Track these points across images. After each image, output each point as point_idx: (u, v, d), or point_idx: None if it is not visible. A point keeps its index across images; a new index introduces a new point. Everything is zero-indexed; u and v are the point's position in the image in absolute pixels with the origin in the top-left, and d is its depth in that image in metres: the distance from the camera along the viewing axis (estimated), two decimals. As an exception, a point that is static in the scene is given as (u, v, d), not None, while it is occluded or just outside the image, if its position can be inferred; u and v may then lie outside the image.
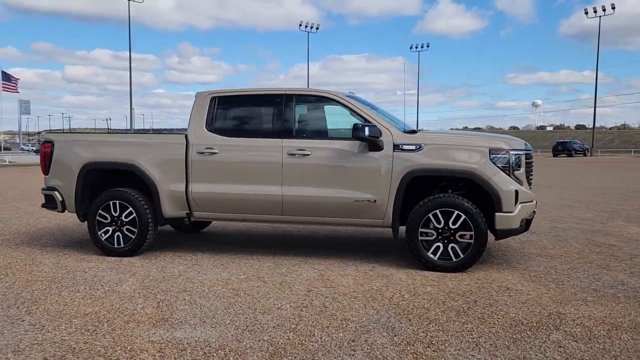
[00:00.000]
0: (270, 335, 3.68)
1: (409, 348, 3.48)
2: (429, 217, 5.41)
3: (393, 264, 5.74)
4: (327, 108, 6.07)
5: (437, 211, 5.39)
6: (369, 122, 5.63)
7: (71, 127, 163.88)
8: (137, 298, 4.54)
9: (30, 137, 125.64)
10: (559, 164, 34.69)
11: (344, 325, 3.88)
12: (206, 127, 6.05)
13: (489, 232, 5.41)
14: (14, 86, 65.72)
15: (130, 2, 47.87)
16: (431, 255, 5.43)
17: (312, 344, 3.54)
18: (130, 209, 6.13)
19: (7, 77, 66.25)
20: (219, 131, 6.03)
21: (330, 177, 5.68)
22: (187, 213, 6.14)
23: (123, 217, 6.17)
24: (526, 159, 5.65)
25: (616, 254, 6.35)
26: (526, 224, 5.51)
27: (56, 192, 6.41)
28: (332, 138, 5.82)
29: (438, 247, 5.42)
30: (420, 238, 5.44)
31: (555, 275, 5.36)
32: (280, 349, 3.44)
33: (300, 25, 60.22)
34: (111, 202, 6.18)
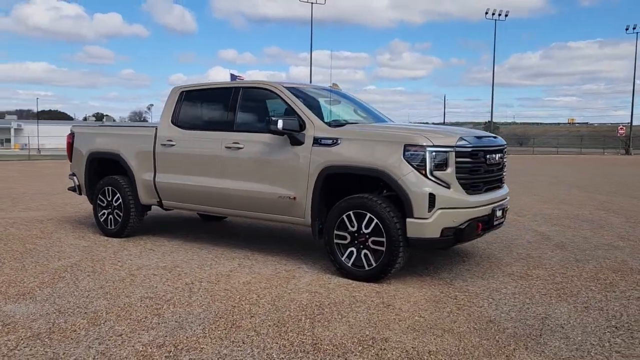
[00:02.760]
0: (95, 306, 3.83)
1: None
2: (343, 218, 4.94)
3: (316, 265, 5.37)
4: (271, 100, 5.88)
5: (351, 213, 4.89)
6: (298, 113, 5.34)
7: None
8: (62, 272, 5.06)
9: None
10: None
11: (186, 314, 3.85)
12: (171, 120, 6.36)
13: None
14: None
15: (312, 4, 50.62)
16: (345, 261, 4.95)
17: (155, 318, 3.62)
18: (118, 194, 6.77)
19: (234, 79, 76.57)
20: (179, 124, 6.29)
21: (258, 172, 5.54)
22: (157, 201, 6.54)
23: (114, 202, 6.84)
24: (487, 155, 4.96)
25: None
26: (457, 235, 4.66)
27: (75, 178, 7.36)
28: (263, 131, 5.64)
29: (352, 252, 4.93)
30: (335, 241, 5.00)
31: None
32: (98, 316, 3.59)
33: (486, 13, 56.34)
34: (106, 188, 6.89)
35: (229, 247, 6.27)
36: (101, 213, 6.98)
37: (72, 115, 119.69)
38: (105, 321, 3.80)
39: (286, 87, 5.64)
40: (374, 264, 4.79)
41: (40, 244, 6.37)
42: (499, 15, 56.22)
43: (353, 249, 4.91)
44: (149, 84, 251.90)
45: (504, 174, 5.48)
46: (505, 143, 5.50)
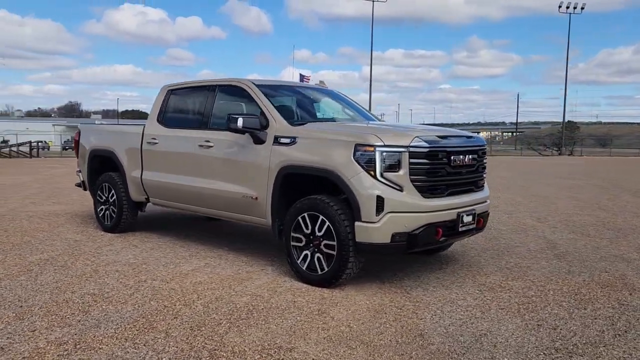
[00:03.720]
0: (34, 300, 3.92)
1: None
2: (299, 220, 4.76)
3: (282, 267, 5.21)
4: (244, 98, 5.77)
5: (306, 215, 4.71)
6: (263, 112, 5.22)
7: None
8: (34, 265, 5.24)
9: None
10: None
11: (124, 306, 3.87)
12: (157, 118, 6.43)
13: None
14: None
15: (374, 2, 50.05)
16: (300, 264, 4.78)
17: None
18: (113, 191, 6.93)
19: (302, 79, 77.25)
20: (163, 122, 6.34)
21: (226, 171, 5.47)
22: (145, 198, 6.63)
23: (109, 198, 7.01)
24: (463, 154, 4.73)
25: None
26: (410, 241, 4.36)
27: (80, 174, 7.63)
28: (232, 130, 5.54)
29: (307, 255, 4.74)
30: (292, 243, 4.84)
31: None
32: (29, 310, 3.69)
33: (560, 7, 53.14)
34: (103, 185, 7.08)
35: (211, 245, 6.24)
36: (99, 209, 7.17)
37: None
38: (32, 316, 3.85)
39: (257, 85, 5.52)
40: (326, 269, 4.58)
41: (37, 236, 6.63)
42: (574, 8, 53.12)
43: (308, 252, 4.72)
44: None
45: (480, 176, 5.09)
46: (483, 144, 5.11)
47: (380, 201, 4.26)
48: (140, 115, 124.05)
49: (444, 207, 4.54)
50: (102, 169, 7.28)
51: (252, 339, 3.49)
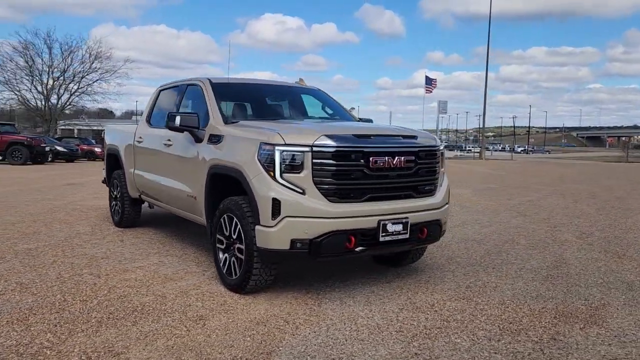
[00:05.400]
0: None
1: None
2: (220, 222, 4.60)
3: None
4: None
5: (225, 216, 4.53)
6: (207, 109, 5.13)
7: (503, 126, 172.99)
8: (11, 255, 5.71)
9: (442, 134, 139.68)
10: None
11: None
12: (146, 118, 6.62)
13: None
14: (433, 87, 75.16)
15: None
16: (222, 267, 4.61)
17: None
18: (119, 187, 7.30)
19: (429, 81, 76.24)
20: (149, 122, 6.51)
21: (177, 169, 5.47)
22: (139, 195, 6.86)
23: (117, 194, 7.39)
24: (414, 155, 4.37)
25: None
26: (313, 248, 3.98)
27: (104, 170, 8.14)
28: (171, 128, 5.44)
29: (226, 258, 4.56)
30: (216, 245, 4.69)
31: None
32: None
33: None
34: (114, 181, 7.48)
35: (189, 244, 6.27)
36: (112, 204, 7.59)
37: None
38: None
39: (213, 83, 5.44)
40: (238, 274, 4.37)
41: (53, 227, 7.17)
42: None
43: (227, 254, 4.54)
44: (356, 88, 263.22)
45: (425, 180, 4.50)
46: (428, 145, 4.52)
47: (276, 204, 3.95)
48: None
49: (357, 213, 4.08)
50: (116, 166, 7.68)
51: (99, 341, 3.40)
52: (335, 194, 4.04)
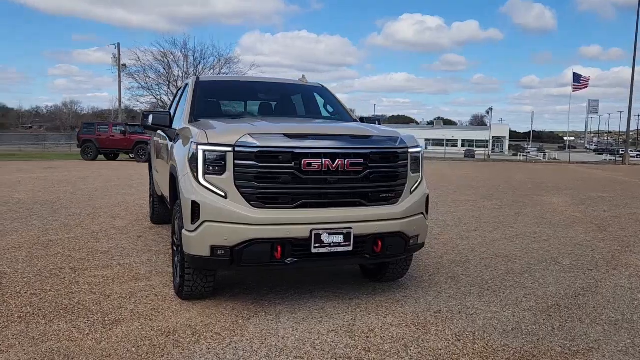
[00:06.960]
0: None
1: None
2: (173, 224, 4.46)
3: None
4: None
5: (176, 219, 4.38)
6: (185, 107, 5.04)
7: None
8: (21, 246, 6.15)
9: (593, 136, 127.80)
10: None
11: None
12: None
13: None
14: (583, 85, 69.86)
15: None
16: (173, 270, 4.47)
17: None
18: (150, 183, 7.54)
19: (577, 78, 70.90)
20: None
21: (161, 170, 5.45)
22: (162, 193, 6.99)
23: (151, 191, 7.64)
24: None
25: None
26: (234, 257, 3.66)
27: (151, 166, 8.47)
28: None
29: (176, 262, 4.40)
30: (172, 247, 4.57)
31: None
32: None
33: None
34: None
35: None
36: (150, 201, 7.87)
37: (419, 120, 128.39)
38: None
39: (200, 81, 5.36)
40: (178, 279, 4.19)
41: (98, 217, 7.62)
42: None
43: (177, 257, 4.39)
44: (497, 88, 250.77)
45: (377, 186, 3.93)
46: (382, 147, 3.94)
47: (195, 207, 3.70)
48: (406, 120, 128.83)
49: (285, 220, 3.68)
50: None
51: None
52: (259, 199, 3.68)
